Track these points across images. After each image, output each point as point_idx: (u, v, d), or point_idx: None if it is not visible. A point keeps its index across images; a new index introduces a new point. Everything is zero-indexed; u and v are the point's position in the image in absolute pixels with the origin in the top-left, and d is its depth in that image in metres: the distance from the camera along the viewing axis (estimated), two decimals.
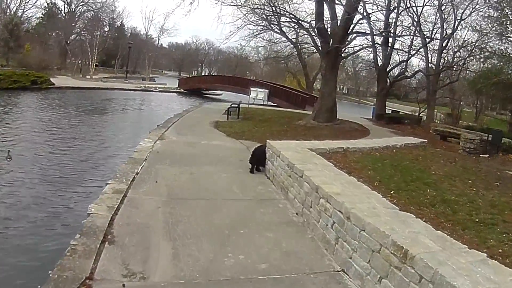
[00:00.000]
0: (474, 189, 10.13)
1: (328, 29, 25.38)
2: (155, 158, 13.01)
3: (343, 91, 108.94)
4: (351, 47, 32.75)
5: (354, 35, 27.49)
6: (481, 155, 18.63)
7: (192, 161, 13.15)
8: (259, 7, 27.24)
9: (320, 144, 13.51)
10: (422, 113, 39.48)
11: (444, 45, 37.98)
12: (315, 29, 25.73)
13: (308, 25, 27.40)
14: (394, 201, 8.25)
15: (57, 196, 12.91)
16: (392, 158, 13.33)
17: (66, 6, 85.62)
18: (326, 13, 25.51)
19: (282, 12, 27.15)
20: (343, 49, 27.03)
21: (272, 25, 30.97)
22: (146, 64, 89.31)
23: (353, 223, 6.61)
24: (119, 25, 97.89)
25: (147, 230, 7.53)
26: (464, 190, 9.92)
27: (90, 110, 33.47)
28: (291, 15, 27.34)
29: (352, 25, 25.99)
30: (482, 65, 36.49)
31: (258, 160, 12.73)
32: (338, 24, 24.96)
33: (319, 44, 27.06)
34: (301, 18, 28.55)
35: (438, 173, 11.71)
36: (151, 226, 7.72)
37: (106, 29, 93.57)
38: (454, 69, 39.12)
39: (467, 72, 40.27)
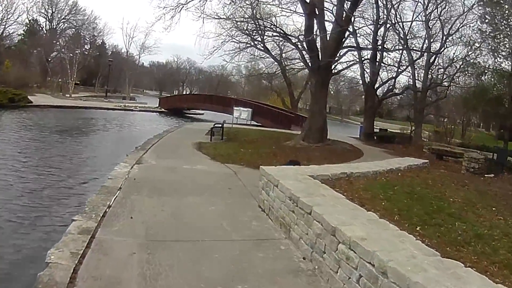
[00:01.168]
0: (501, 217, 9.27)
1: (318, 44, 23.93)
2: (131, 186, 11.23)
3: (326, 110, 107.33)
4: (341, 63, 31.50)
5: (346, 49, 26.12)
6: (486, 175, 17.64)
7: (174, 190, 11.37)
8: (243, 21, 25.74)
9: (320, 169, 11.86)
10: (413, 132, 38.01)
11: (431, 61, 37.27)
12: (304, 44, 24.33)
13: (296, 39, 25.96)
14: (426, 241, 6.93)
15: (11, 237, 10.57)
16: (401, 183, 12.11)
17: (47, 23, 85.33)
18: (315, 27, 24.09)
19: (268, 26, 25.71)
20: (334, 65, 25.61)
21: (255, 42, 29.78)
22: (127, 83, 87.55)
23: (393, 281, 4.92)
24: (100, 43, 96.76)
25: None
26: (492, 220, 9.00)
27: (64, 131, 31.11)
28: (277, 29, 25.85)
29: (343, 39, 24.59)
30: (473, 81, 35.31)
31: None
32: (328, 38, 23.54)
33: (308, 60, 25.52)
34: (288, 33, 27.14)
35: (456, 200, 10.65)
36: (123, 281, 5.96)
37: (87, 47, 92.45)
38: (444, 85, 37.89)
39: (454, 88, 39.35)
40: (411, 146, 31.38)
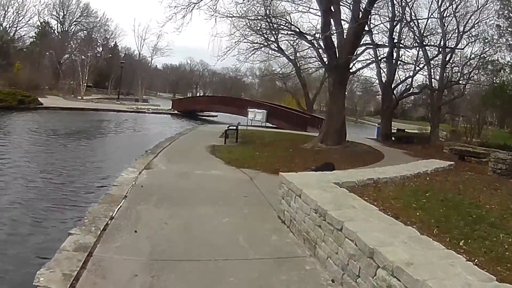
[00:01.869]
0: None
1: (335, 41, 22.92)
2: (137, 194, 10.30)
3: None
4: (359, 61, 30.53)
5: (363, 47, 25.10)
6: None
7: (184, 198, 10.41)
8: (256, 19, 24.83)
9: (345, 175, 10.84)
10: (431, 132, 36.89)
11: (447, 59, 36.19)
12: (321, 42, 23.37)
13: (312, 37, 24.98)
14: (474, 259, 5.94)
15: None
16: (431, 189, 10.99)
17: (59, 25, 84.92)
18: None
19: (282, 24, 24.73)
20: (352, 63, 24.60)
21: (268, 42, 28.97)
22: (139, 84, 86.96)
23: None
24: (112, 45, 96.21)
25: None
26: None
27: (72, 133, 30.15)
28: (291, 27, 24.86)
29: (361, 36, 23.58)
30: (490, 78, 34.10)
31: None
32: (345, 35, 22.55)
33: (324, 59, 24.54)
34: (303, 31, 26.15)
35: (493, 206, 9.53)
36: None
37: (99, 49, 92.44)
38: (460, 83, 36.82)
39: (470, 87, 38.30)
40: (430, 147, 30.33)
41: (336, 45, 22.93)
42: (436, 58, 36.27)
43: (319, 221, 7.11)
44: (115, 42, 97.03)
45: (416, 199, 9.50)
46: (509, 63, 30.97)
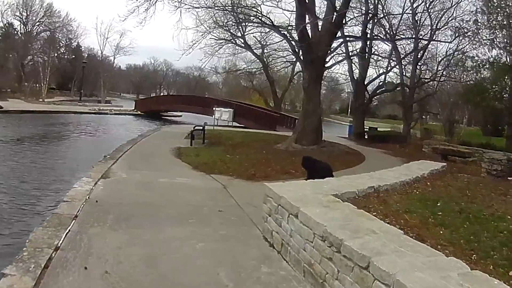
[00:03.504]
0: None
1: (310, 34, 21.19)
2: (91, 213, 8.21)
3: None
4: (334, 56, 28.96)
5: (340, 40, 23.48)
6: (509, 178, 15.40)
7: (148, 217, 8.33)
8: (222, 9, 23.01)
9: (341, 183, 8.99)
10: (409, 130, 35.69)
11: (419, 56, 35.12)
12: (295, 35, 21.61)
13: (284, 30, 23.20)
14: None
15: None
16: (439, 196, 9.70)
17: (22, 26, 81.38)
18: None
19: (252, 16, 22.92)
20: (329, 57, 22.99)
21: (235, 37, 27.24)
22: (101, 85, 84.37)
23: None
24: (75, 45, 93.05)
25: None
26: None
27: (27, 138, 27.46)
28: (262, 17, 23.05)
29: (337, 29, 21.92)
30: (475, 74, 33.03)
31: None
32: (320, 28, 20.87)
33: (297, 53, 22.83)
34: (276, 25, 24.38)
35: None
36: None
37: (62, 50, 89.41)
38: (437, 80, 35.77)
39: (443, 84, 37.36)
40: (408, 146, 29.13)
41: (311, 38, 21.17)
42: (410, 55, 35.06)
43: (330, 253, 5.26)
44: (78, 42, 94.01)
45: (431, 212, 8.10)
46: (490, 59, 29.89)
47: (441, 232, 6.96)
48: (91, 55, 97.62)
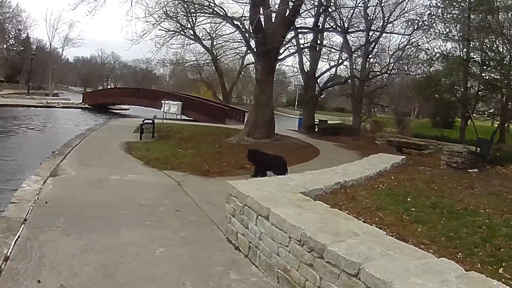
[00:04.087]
0: None
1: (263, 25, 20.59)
2: (41, 215, 7.40)
3: (252, 102, 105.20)
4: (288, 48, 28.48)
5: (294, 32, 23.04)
6: (469, 170, 15.55)
7: (101, 218, 7.56)
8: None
9: (306, 179, 8.40)
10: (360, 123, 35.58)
11: (370, 49, 34.85)
12: (246, 26, 21.02)
13: (237, 21, 22.51)
14: None
15: None
16: (407, 191, 9.51)
17: None
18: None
19: (204, 5, 22.18)
20: (282, 49, 22.47)
21: (185, 29, 26.48)
22: (49, 78, 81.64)
23: None
24: (24, 37, 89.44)
25: None
26: None
27: None
28: (215, 7, 22.31)
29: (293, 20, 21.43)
30: (428, 67, 33.09)
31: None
32: (273, 20, 20.32)
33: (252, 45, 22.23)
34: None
35: (488, 211, 8.20)
36: None
37: (11, 41, 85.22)
38: (388, 73, 35.79)
39: (393, 77, 37.59)
40: (361, 139, 28.98)
41: (265, 30, 20.58)
42: (362, 48, 34.75)
43: (310, 259, 4.69)
44: (27, 33, 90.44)
45: (404, 208, 7.82)
46: (444, 53, 29.97)
47: (419, 229, 6.62)
48: (40, 47, 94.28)
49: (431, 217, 7.36)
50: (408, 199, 8.55)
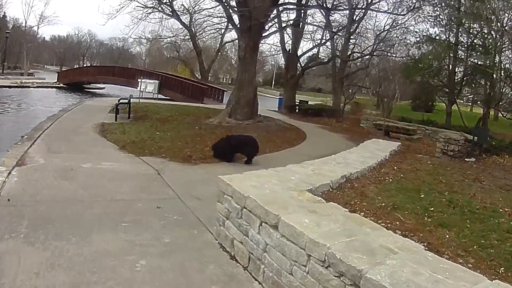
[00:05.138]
0: None
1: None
2: (2, 217, 6.18)
3: (229, 81, 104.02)
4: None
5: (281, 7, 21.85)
6: (466, 159, 15.26)
7: (70, 219, 6.35)
8: None
9: (309, 173, 7.27)
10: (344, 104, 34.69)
11: (353, 29, 33.85)
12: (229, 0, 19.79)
13: None
14: None
15: None
16: (415, 184, 8.84)
17: None
18: None
19: None
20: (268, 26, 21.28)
21: (162, 5, 25.17)
22: (24, 57, 79.25)
23: None
24: (1, 16, 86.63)
25: None
26: None
27: None
28: None
29: None
30: (417, 50, 32.38)
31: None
32: None
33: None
34: None
35: (505, 209, 7.65)
36: None
37: None
38: (372, 54, 34.90)
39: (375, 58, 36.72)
40: (344, 121, 28.07)
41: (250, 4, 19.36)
42: (345, 28, 33.67)
43: (339, 285, 3.64)
44: (4, 12, 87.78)
45: (421, 207, 7.11)
46: (432, 36, 29.30)
47: (447, 235, 5.84)
48: (16, 26, 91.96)
49: (453, 219, 6.60)
50: (422, 195, 7.85)
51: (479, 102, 36.59)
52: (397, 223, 5.95)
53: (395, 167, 10.21)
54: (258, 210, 4.93)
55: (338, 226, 4.50)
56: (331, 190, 6.79)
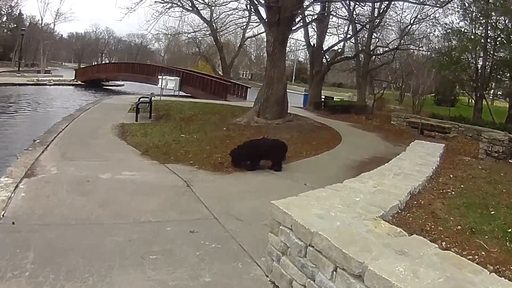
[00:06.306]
0: None
1: None
2: (4, 247, 5.15)
3: (249, 77, 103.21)
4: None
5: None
6: (510, 161, 14.39)
7: (86, 250, 5.26)
8: None
9: (372, 191, 6.08)
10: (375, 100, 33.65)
11: (376, 23, 32.73)
12: None
13: None
14: None
15: None
16: (479, 197, 7.73)
17: None
18: None
19: None
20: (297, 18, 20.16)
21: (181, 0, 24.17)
22: (41, 54, 79.09)
23: None
24: (17, 14, 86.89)
25: None
26: None
27: None
28: None
29: None
30: (448, 43, 31.28)
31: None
32: None
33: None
34: None
35: None
36: None
37: (3, 19, 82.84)
38: (401, 48, 34.44)
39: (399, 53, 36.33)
40: (374, 118, 27.23)
41: None
42: (371, 22, 32.52)
43: None
44: (20, 10, 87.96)
45: (499, 229, 6.01)
46: (461, 29, 28.68)
47: None
48: (33, 24, 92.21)
49: None
50: (492, 212, 6.86)
51: (501, 96, 35.90)
52: (483, 253, 5.02)
53: (451, 175, 9.20)
54: (332, 253, 3.80)
55: (438, 275, 3.39)
56: (399, 212, 5.70)
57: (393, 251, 3.76)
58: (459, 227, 5.78)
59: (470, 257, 4.64)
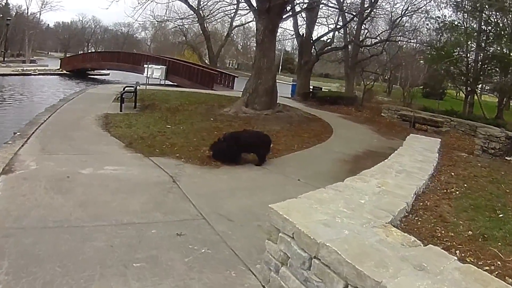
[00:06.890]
0: None
1: None
2: None
3: (235, 66, 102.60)
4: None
5: None
6: (506, 158, 14.00)
7: (64, 258, 4.74)
8: None
9: (376, 191, 5.62)
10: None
11: (366, 14, 32.72)
12: None
13: None
14: None
15: None
16: (484, 198, 7.37)
17: None
18: None
19: None
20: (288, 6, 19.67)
21: None
22: (26, 44, 78.04)
23: None
24: (3, 4, 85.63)
25: None
26: None
27: None
28: None
29: None
30: (440, 36, 31.19)
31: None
32: None
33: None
34: None
35: None
36: None
37: None
38: (392, 40, 34.36)
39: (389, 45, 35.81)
40: (364, 109, 27.04)
41: None
42: (362, 12, 32.37)
43: None
44: (6, 0, 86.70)
45: (510, 234, 5.64)
46: (453, 23, 28.62)
47: None
48: (19, 13, 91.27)
49: None
50: (500, 214, 6.57)
51: (489, 91, 36.10)
52: (498, 262, 4.63)
53: (452, 173, 8.90)
54: (342, 268, 3.32)
55: None
56: (407, 215, 5.31)
57: (411, 266, 3.29)
58: (470, 232, 5.41)
59: (487, 267, 4.28)
